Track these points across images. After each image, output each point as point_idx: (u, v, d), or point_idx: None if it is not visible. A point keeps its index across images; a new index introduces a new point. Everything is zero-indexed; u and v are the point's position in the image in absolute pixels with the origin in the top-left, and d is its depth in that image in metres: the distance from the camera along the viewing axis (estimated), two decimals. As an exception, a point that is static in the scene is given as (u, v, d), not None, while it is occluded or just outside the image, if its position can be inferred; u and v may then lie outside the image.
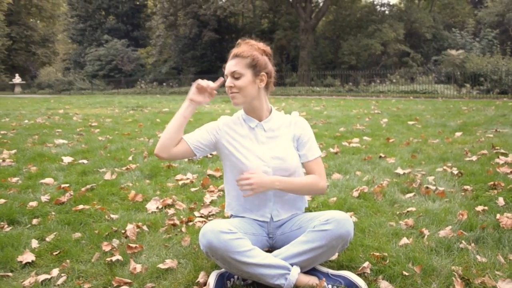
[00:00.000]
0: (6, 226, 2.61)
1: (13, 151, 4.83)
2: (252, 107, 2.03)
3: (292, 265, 1.83)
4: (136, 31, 34.56)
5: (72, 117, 9.24)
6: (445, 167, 3.76)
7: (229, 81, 1.98)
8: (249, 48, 2.01)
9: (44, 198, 3.10)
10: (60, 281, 1.93)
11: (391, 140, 5.28)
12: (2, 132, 6.55)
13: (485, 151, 4.33)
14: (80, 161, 4.33)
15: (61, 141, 5.62)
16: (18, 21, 35.19)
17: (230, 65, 1.98)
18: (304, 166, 2.08)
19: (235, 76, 1.96)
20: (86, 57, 32.05)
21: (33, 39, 36.46)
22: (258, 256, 1.78)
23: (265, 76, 1.99)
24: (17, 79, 31.83)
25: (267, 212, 2.04)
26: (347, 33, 26.89)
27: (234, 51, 2.01)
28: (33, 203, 2.97)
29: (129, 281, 1.91)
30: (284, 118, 2.09)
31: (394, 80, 19.12)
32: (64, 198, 3.07)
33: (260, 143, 2.02)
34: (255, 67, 1.97)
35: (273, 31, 28.24)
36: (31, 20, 38.03)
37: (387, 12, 28.46)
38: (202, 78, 2.09)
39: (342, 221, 1.81)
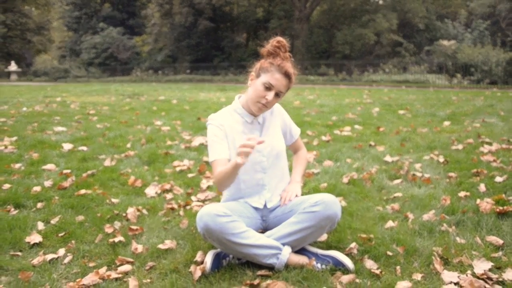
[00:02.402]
0: (12, 209, 2.71)
1: (14, 138, 4.91)
2: None
3: (283, 244, 1.95)
4: (132, 19, 34.23)
5: (70, 105, 9.27)
6: (432, 155, 3.90)
7: (271, 97, 1.99)
8: (295, 69, 2.06)
9: (47, 183, 3.20)
10: (66, 260, 2.05)
11: (381, 129, 5.42)
12: (1, 119, 6.59)
13: (471, 140, 4.48)
14: (80, 148, 4.42)
15: (60, 128, 5.69)
16: (13, 8, 34.61)
17: (282, 85, 2.01)
18: (292, 145, 2.34)
19: (278, 94, 2.02)
20: (82, 45, 31.75)
21: (28, 27, 35.93)
22: (252, 237, 1.90)
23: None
24: (13, 67, 31.51)
25: (262, 199, 2.16)
26: (341, 23, 26.83)
27: (289, 68, 2.01)
28: (37, 188, 3.08)
29: (131, 260, 2.03)
30: None
31: (386, 70, 19.22)
32: (66, 183, 3.18)
33: (256, 135, 2.12)
34: (288, 90, 2.10)
35: (268, 20, 28.13)
36: (26, 7, 37.42)
37: (380, 2, 28.41)
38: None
39: (330, 203, 1.94)
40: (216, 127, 2.10)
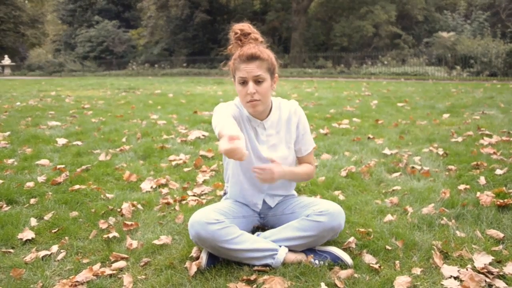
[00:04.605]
0: (4, 205, 2.68)
1: (7, 133, 4.85)
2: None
3: (280, 246, 1.90)
4: (127, 12, 33.92)
5: (65, 99, 9.21)
6: (431, 148, 3.87)
7: (252, 87, 1.82)
8: (259, 46, 1.88)
9: (40, 178, 3.16)
10: (59, 257, 2.02)
11: (380, 122, 5.38)
12: (-6, 114, 6.56)
13: (470, 133, 4.45)
14: (74, 143, 4.38)
15: (54, 123, 5.65)
16: (6, 0, 34.27)
17: (253, 69, 1.81)
18: (298, 159, 2.12)
19: (259, 80, 1.83)
20: (77, 38, 31.49)
21: (21, 20, 35.52)
22: (247, 241, 1.85)
23: (277, 76, 1.94)
24: (7, 61, 31.18)
25: (258, 203, 2.10)
26: (339, 15, 26.68)
27: (249, 50, 1.83)
28: (30, 184, 3.03)
29: (126, 256, 2.00)
30: (284, 110, 2.03)
31: (385, 62, 19.14)
32: (60, 179, 3.14)
33: (261, 142, 2.01)
34: (271, 69, 1.88)
35: (265, 12, 27.94)
36: (19, 0, 37.09)
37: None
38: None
39: (336, 214, 1.89)
40: (228, 108, 1.92)
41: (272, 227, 2.09)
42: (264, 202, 2.11)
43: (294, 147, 2.07)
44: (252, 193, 2.08)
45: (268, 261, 1.87)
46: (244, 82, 1.85)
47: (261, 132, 2.00)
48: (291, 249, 1.92)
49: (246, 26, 1.91)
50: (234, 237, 1.82)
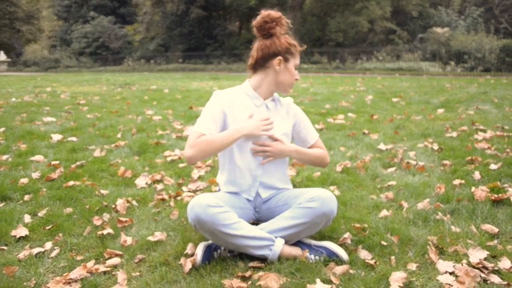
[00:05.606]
0: (-2, 202, 2.66)
1: (2, 129, 4.82)
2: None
3: (276, 238, 1.91)
4: (123, 8, 33.74)
5: (60, 95, 9.14)
6: (426, 143, 3.87)
7: (298, 75, 2.12)
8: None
9: (34, 175, 3.14)
10: (53, 254, 2.00)
11: (375, 117, 5.38)
12: (-12, 110, 6.50)
13: (465, 128, 4.46)
14: (69, 139, 4.35)
15: (49, 119, 5.60)
16: (1, -3, 34.07)
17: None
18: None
19: None
20: (73, 34, 31.30)
21: (17, 16, 35.31)
22: (244, 228, 1.86)
23: None
24: (2, 57, 30.96)
25: (253, 191, 2.10)
26: (334, 10, 26.66)
27: (299, 46, 2.09)
28: (24, 180, 3.01)
29: (120, 253, 1.99)
30: (279, 101, 2.15)
31: (380, 58, 19.15)
32: (54, 175, 3.11)
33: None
34: None
35: (261, 8, 27.78)
36: (15, -4, 36.80)
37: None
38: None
39: (327, 200, 1.89)
40: (218, 103, 2.03)
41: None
42: (257, 193, 2.10)
43: (298, 136, 2.17)
44: (247, 179, 2.09)
45: (265, 252, 1.87)
46: (296, 68, 2.09)
47: (263, 112, 2.06)
48: (286, 242, 1.92)
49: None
50: (232, 222, 1.83)
